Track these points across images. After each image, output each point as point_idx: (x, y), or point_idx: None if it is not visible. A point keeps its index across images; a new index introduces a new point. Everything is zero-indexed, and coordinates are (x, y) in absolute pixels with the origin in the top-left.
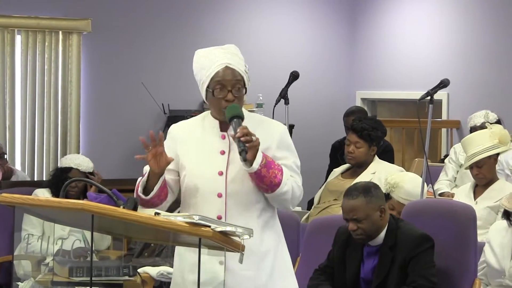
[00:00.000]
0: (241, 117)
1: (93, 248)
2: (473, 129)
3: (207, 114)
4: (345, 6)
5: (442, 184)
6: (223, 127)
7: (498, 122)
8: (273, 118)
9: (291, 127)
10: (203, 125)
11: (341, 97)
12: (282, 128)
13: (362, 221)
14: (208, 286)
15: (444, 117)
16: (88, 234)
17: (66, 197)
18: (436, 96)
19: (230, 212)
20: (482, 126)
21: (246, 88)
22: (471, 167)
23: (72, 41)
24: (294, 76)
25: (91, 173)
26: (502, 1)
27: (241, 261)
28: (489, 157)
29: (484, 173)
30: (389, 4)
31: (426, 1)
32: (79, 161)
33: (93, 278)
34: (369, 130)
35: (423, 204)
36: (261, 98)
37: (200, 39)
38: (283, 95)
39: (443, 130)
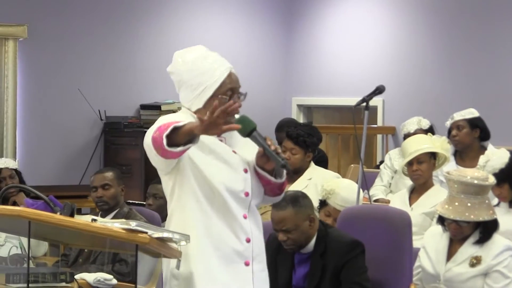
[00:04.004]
0: (255, 128)
1: (30, 255)
2: (407, 136)
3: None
4: (281, 11)
5: (377, 190)
6: None
7: (431, 128)
8: None
9: None
10: None
11: (277, 103)
12: None
13: (291, 232)
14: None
15: (379, 123)
16: (24, 240)
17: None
18: (372, 103)
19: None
20: (416, 133)
21: None
22: (410, 164)
23: (8, 47)
24: None
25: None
26: (437, 9)
27: (178, 267)
28: (430, 157)
29: (422, 170)
30: (325, 10)
31: (362, 8)
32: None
33: (30, 285)
34: (305, 137)
35: (359, 210)
36: None
37: (135, 44)
38: None
39: (379, 136)
